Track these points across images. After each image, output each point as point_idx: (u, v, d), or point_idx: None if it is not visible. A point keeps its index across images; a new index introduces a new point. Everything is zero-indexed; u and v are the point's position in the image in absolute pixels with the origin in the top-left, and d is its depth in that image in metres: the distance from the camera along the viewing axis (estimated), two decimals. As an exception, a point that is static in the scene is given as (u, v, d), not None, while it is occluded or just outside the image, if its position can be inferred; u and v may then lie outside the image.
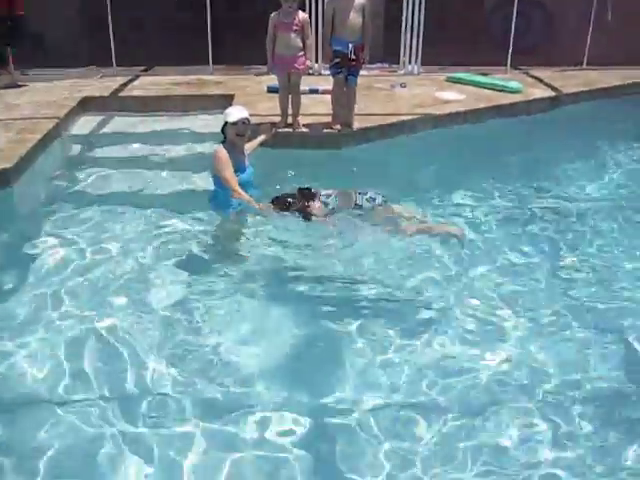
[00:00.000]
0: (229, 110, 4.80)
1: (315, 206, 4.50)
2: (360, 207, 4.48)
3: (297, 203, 4.49)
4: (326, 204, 4.51)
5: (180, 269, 4.13)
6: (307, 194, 4.53)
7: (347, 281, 4.01)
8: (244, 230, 4.54)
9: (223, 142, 4.78)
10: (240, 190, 4.52)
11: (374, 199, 4.48)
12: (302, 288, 3.97)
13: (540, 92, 7.49)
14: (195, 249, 4.37)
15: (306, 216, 4.45)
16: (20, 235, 4.57)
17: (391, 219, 4.47)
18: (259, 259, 4.24)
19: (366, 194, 4.51)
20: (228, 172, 4.57)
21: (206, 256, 4.33)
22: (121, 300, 3.80)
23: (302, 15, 5.76)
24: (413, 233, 4.38)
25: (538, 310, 3.72)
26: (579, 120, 7.04)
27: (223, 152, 4.62)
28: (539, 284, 4.00)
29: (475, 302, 3.80)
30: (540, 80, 8.00)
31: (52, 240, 4.44)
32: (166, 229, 4.61)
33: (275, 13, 5.70)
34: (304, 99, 6.17)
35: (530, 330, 3.55)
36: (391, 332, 3.52)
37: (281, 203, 4.51)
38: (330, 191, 4.57)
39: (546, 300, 3.83)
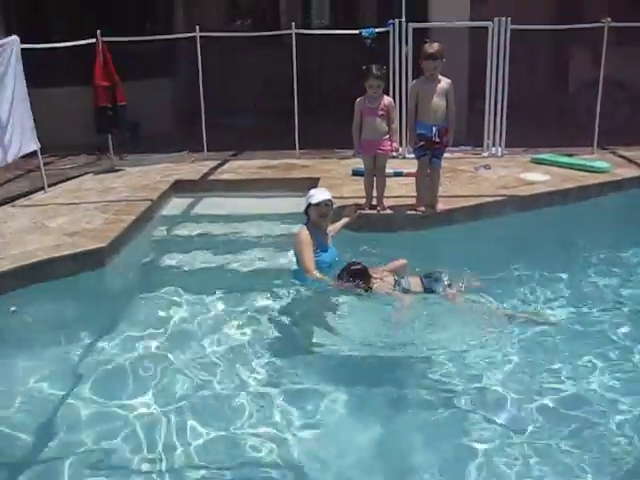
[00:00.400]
0: (312, 192, 4.94)
1: (388, 281, 4.48)
2: (432, 291, 4.45)
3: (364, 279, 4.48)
4: (398, 283, 4.51)
5: (265, 350, 4.16)
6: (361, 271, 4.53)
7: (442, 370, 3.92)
8: (324, 310, 4.55)
9: (306, 223, 4.90)
10: (315, 272, 4.60)
11: (441, 280, 4.44)
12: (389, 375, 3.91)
13: (629, 171, 7.35)
14: (277, 331, 4.40)
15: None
16: (110, 316, 4.72)
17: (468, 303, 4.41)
18: (341, 343, 4.21)
19: (431, 276, 4.51)
20: (306, 253, 4.68)
21: (288, 337, 4.35)
22: (208, 380, 3.84)
23: (387, 100, 5.91)
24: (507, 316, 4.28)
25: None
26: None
27: (305, 233, 4.74)
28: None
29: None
30: (629, 159, 7.85)
31: (141, 322, 4.57)
32: (251, 311, 4.66)
33: (361, 98, 5.87)
34: (388, 181, 6.26)
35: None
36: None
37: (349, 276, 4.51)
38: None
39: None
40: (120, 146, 8.33)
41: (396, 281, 4.56)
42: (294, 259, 5.01)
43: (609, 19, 7.95)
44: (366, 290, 4.52)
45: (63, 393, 3.76)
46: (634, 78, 9.13)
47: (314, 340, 4.28)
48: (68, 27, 9.60)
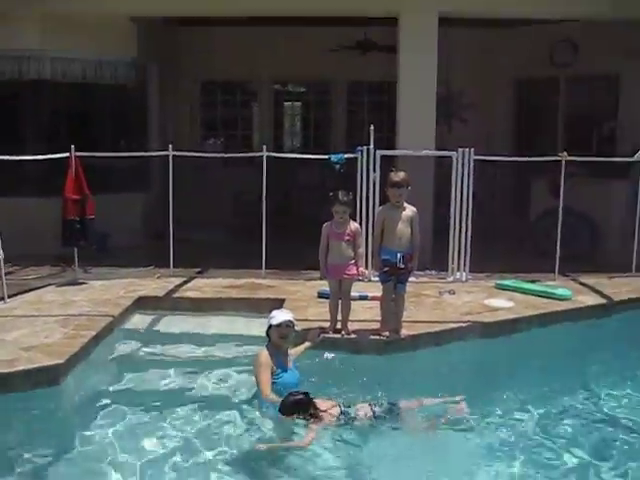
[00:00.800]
0: (273, 313, 4.98)
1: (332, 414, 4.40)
2: (383, 418, 4.40)
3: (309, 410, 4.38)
4: (345, 413, 4.41)
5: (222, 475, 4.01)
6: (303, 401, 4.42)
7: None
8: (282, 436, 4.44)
9: (267, 344, 4.90)
10: (271, 394, 4.55)
11: (393, 404, 4.40)
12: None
13: (591, 299, 7.47)
14: (235, 455, 4.28)
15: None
16: (60, 437, 4.56)
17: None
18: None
19: (381, 404, 4.47)
20: (263, 376, 4.67)
21: (246, 463, 4.21)
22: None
23: (354, 225, 6.03)
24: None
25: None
26: (633, 328, 6.95)
27: (264, 354, 4.75)
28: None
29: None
30: (589, 287, 8.00)
31: (94, 440, 4.41)
32: (210, 434, 4.54)
33: (327, 223, 5.98)
34: (353, 305, 6.27)
35: None
36: None
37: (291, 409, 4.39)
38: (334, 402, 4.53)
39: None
40: (86, 258, 8.28)
41: (342, 412, 4.45)
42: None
43: (565, 153, 8.35)
44: (307, 420, 4.40)
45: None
46: (592, 207, 9.47)
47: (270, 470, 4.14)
48: (42, 137, 9.78)
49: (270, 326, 4.89)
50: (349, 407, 4.51)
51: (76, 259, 8.02)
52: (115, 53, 9.99)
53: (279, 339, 4.85)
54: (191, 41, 12.10)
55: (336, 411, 4.46)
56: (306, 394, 4.46)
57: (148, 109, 11.23)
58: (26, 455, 4.28)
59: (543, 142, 12.27)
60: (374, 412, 4.47)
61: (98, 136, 10.21)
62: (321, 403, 4.47)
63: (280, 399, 4.52)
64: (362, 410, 4.52)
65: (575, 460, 4.31)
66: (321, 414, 4.40)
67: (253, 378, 4.97)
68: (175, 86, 12.41)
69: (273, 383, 4.74)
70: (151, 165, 10.66)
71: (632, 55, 10.47)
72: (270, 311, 5.33)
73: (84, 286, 7.81)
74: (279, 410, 4.45)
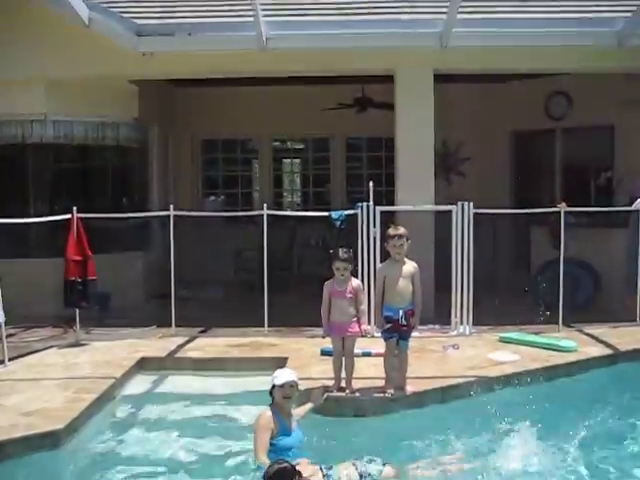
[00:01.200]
0: (277, 373, 4.93)
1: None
2: (369, 475, 4.28)
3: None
4: (327, 476, 4.30)
5: None
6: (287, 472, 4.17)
7: None
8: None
9: (271, 404, 4.84)
10: (265, 459, 4.45)
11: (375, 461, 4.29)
12: None
13: (596, 350, 7.42)
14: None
15: None
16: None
17: None
18: None
19: (365, 460, 4.34)
20: (260, 439, 4.61)
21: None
22: None
23: (355, 283, 6.02)
24: None
25: None
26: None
27: (264, 416, 4.69)
28: None
29: None
30: (594, 337, 7.95)
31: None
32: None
33: (329, 281, 5.97)
34: (357, 362, 6.21)
35: None
36: None
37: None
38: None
39: None
40: (87, 319, 8.25)
41: (324, 475, 4.32)
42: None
43: (564, 204, 8.41)
44: None
45: None
46: (593, 257, 9.48)
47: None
48: (44, 198, 9.88)
49: (273, 386, 4.84)
50: (330, 469, 4.38)
51: (77, 320, 7.98)
52: (117, 115, 10.15)
53: (282, 399, 4.79)
54: (190, 101, 12.33)
55: (319, 476, 4.32)
56: (290, 464, 4.34)
57: (149, 168, 11.35)
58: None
59: (541, 192, 12.39)
60: (359, 472, 4.34)
61: (100, 196, 10.35)
62: (303, 468, 4.34)
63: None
64: (345, 470, 4.39)
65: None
66: None
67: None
68: (176, 145, 12.59)
69: (272, 445, 4.63)
70: (152, 224, 10.72)
71: (626, 106, 10.64)
72: (274, 370, 5.27)
73: (86, 347, 7.77)
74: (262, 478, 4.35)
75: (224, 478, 4.68)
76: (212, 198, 13.78)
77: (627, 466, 5.02)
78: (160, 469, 4.96)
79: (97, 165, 10.61)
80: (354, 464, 4.41)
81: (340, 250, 5.92)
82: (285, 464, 4.18)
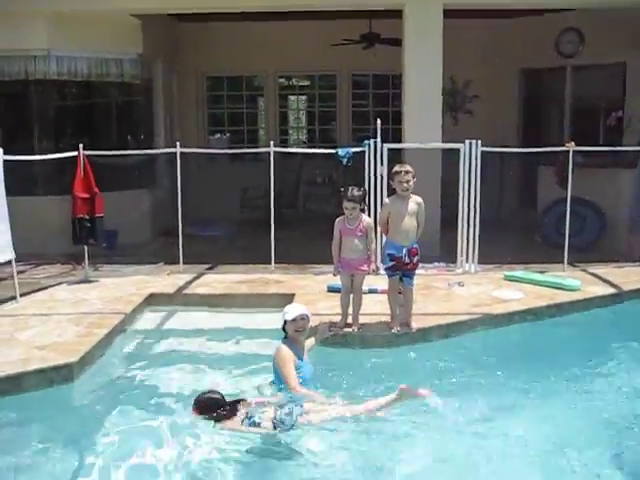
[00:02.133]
0: (287, 308, 5.02)
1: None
2: (282, 423, 4.32)
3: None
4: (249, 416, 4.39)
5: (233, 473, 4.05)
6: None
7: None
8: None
9: (284, 340, 4.94)
10: (299, 387, 4.57)
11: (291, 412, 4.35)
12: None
13: (600, 289, 7.47)
14: (247, 454, 4.26)
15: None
16: (77, 433, 4.59)
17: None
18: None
19: (283, 407, 4.39)
20: (289, 369, 4.68)
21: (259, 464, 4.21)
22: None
23: (366, 221, 6.02)
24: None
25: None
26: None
27: (285, 349, 4.77)
28: None
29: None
30: (599, 277, 8.00)
31: (109, 440, 4.43)
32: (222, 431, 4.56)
33: (340, 218, 5.98)
34: (363, 299, 6.28)
35: None
36: None
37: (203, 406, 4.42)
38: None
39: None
40: (96, 256, 8.33)
41: (246, 414, 4.42)
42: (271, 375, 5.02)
43: (572, 143, 8.35)
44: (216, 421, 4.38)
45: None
46: (600, 197, 9.46)
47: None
48: (51, 137, 9.83)
49: (285, 322, 4.94)
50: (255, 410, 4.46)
51: (86, 257, 8.05)
52: (120, 50, 10.01)
53: (295, 333, 4.90)
54: (195, 37, 12.13)
55: (241, 415, 4.41)
56: (221, 395, 4.50)
57: (154, 105, 11.25)
58: (43, 452, 4.32)
59: (549, 132, 12.28)
60: (275, 416, 4.37)
61: (105, 134, 10.29)
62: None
63: (309, 391, 4.58)
64: (266, 415, 4.42)
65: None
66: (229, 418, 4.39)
67: (268, 375, 5.04)
68: (180, 82, 12.45)
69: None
70: (158, 162, 10.69)
71: (638, 43, 10.44)
72: (283, 306, 5.35)
73: (95, 284, 7.86)
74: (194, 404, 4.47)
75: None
76: (217, 136, 13.70)
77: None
78: (170, 400, 5.07)
79: (101, 102, 10.51)
80: (274, 410, 4.44)
81: (350, 188, 5.90)
82: (217, 394, 4.44)
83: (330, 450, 4.24)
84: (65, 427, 4.70)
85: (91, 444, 4.41)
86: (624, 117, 10.92)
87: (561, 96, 11.83)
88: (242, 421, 4.41)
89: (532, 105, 12.36)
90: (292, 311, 5.00)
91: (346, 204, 5.85)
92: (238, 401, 4.56)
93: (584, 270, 8.33)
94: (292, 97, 14.29)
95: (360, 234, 5.92)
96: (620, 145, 10.02)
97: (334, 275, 6.24)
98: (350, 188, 5.92)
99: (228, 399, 4.59)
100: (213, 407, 4.48)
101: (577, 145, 8.43)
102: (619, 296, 7.34)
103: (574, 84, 11.67)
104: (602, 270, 8.26)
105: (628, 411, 4.87)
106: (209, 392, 4.62)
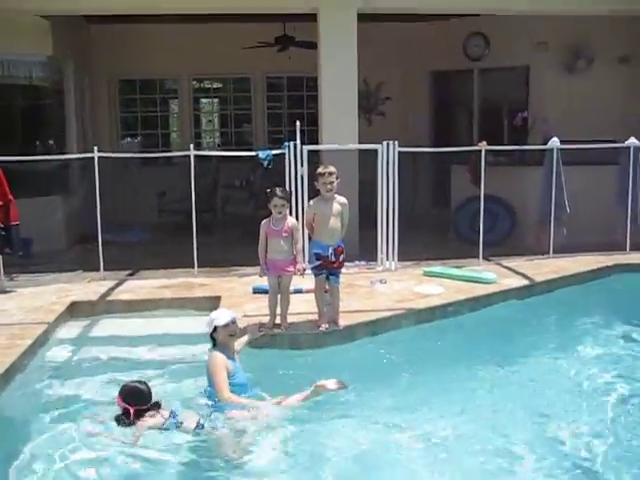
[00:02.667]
0: (215, 314, 4.98)
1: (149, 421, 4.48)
2: (202, 427, 4.44)
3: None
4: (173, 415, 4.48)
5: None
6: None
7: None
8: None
9: (214, 347, 4.89)
10: (229, 395, 4.58)
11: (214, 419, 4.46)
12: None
13: (515, 281, 7.83)
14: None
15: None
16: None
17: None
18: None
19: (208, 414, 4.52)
20: (220, 376, 4.68)
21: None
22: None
23: (291, 221, 6.09)
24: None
25: None
26: (554, 306, 7.39)
27: (218, 356, 4.77)
28: None
29: None
30: (512, 270, 8.37)
31: (33, 451, 4.35)
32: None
33: (266, 220, 6.03)
34: (290, 298, 6.35)
35: None
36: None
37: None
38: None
39: None
40: (10, 266, 8.05)
41: (171, 413, 4.49)
42: (199, 383, 5.03)
43: (484, 143, 8.71)
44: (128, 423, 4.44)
45: None
46: (510, 195, 9.88)
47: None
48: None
49: (215, 328, 4.89)
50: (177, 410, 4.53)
51: (1, 267, 7.78)
52: (29, 52, 9.70)
53: (227, 337, 4.87)
54: (106, 39, 11.90)
55: (166, 414, 4.49)
56: (148, 388, 4.58)
57: (65, 109, 10.94)
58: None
59: (460, 132, 12.73)
60: (198, 423, 4.46)
61: (13, 138, 9.93)
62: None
63: (240, 399, 4.60)
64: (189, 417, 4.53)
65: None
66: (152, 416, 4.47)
67: (195, 381, 5.05)
68: (92, 85, 12.18)
69: (230, 384, 4.76)
70: (71, 167, 10.42)
71: (541, 47, 10.99)
72: (209, 309, 5.35)
73: (12, 294, 7.59)
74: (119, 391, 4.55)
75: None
76: (129, 140, 13.48)
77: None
78: (98, 409, 4.98)
79: (8, 105, 10.15)
80: (199, 416, 4.52)
81: (277, 188, 5.97)
82: (143, 386, 4.53)
83: (257, 450, 4.30)
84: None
85: (12, 457, 4.29)
86: (529, 117, 11.47)
87: (469, 97, 12.31)
88: (165, 420, 4.43)
89: (443, 106, 12.79)
90: (222, 316, 4.95)
91: (276, 201, 5.89)
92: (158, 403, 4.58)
93: (498, 264, 8.69)
94: (205, 100, 14.20)
95: (286, 235, 5.99)
96: (525, 144, 10.53)
97: (260, 277, 6.29)
98: (277, 188, 5.99)
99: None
100: (137, 396, 4.50)
101: (487, 144, 8.80)
102: (532, 287, 7.71)
103: (481, 86, 12.17)
104: (514, 263, 8.65)
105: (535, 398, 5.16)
106: (137, 381, 4.65)
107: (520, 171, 9.98)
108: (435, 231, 10.58)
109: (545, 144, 9.19)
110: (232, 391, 4.69)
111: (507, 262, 8.70)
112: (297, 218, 7.82)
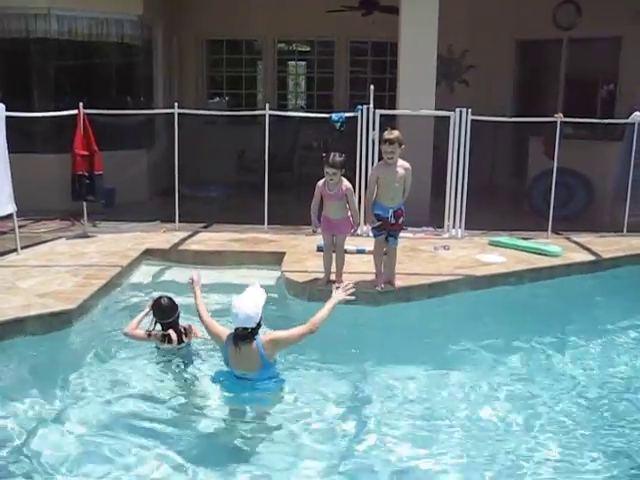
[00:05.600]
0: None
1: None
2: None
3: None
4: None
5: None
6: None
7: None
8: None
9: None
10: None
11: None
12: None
13: (580, 256, 7.73)
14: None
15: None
16: (73, 376, 4.88)
17: None
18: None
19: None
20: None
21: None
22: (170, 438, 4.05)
23: (345, 186, 6.17)
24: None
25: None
26: (618, 283, 7.26)
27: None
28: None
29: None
30: (581, 245, 8.25)
31: (103, 384, 4.77)
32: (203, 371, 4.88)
33: (321, 181, 6.19)
34: (351, 258, 6.53)
35: None
36: None
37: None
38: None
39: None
40: (94, 213, 8.57)
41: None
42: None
43: (560, 115, 8.55)
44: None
45: (15, 457, 3.85)
46: (588, 169, 9.67)
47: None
48: (51, 95, 9.99)
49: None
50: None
51: (85, 213, 8.29)
52: (121, 11, 10.14)
53: None
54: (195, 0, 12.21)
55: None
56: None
57: (154, 67, 11.39)
58: (41, 390, 4.62)
59: (544, 104, 12.43)
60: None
61: (104, 94, 10.41)
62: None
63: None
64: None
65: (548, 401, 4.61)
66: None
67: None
68: (180, 45, 12.56)
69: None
70: (156, 122, 10.87)
71: (635, 18, 10.56)
72: (274, 264, 5.50)
73: (93, 239, 8.11)
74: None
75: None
76: (216, 99, 13.83)
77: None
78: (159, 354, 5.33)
79: (101, 62, 10.65)
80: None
81: (331, 154, 6.02)
82: (166, 301, 5.17)
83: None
84: (61, 369, 4.99)
85: (81, 384, 4.74)
86: (617, 90, 11.09)
87: (556, 68, 11.97)
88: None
89: (528, 76, 12.49)
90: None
91: (327, 169, 6.00)
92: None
93: (567, 238, 8.57)
94: (291, 62, 14.39)
95: (339, 199, 6.13)
96: (612, 117, 10.22)
97: (313, 231, 6.46)
98: (332, 154, 6.04)
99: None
100: (160, 311, 5.13)
101: (571, 117, 8.62)
102: (598, 263, 7.60)
103: (570, 56, 11.80)
104: (585, 239, 8.50)
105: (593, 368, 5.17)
106: (163, 296, 5.26)
107: (601, 145, 9.71)
108: (510, 202, 10.47)
109: (630, 119, 8.93)
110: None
111: (577, 237, 8.57)
112: (366, 180, 7.97)
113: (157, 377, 4.84)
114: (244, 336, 4.29)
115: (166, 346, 5.05)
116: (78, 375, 4.86)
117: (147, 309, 5.25)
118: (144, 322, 5.22)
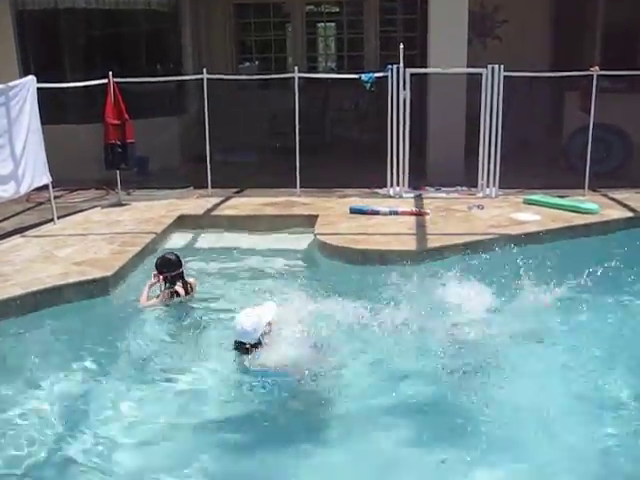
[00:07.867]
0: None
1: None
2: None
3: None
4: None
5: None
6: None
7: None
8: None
9: None
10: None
11: None
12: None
13: (617, 213, 7.59)
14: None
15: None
16: (112, 341, 4.99)
17: None
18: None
19: None
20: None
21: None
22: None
23: None
24: None
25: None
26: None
27: None
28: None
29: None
30: (618, 202, 8.09)
31: (141, 344, 4.87)
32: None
33: None
34: (385, 219, 6.47)
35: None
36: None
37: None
38: None
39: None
40: (128, 182, 8.65)
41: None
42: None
43: (597, 67, 8.31)
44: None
45: (62, 419, 3.98)
46: (626, 124, 9.42)
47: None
48: (81, 65, 10.04)
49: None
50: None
51: (119, 182, 8.38)
52: (147, -23, 10.10)
53: None
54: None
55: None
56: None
57: (182, 33, 11.35)
58: (84, 354, 4.74)
59: (580, 57, 12.09)
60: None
61: (134, 62, 10.45)
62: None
63: None
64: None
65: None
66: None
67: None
68: (208, 10, 12.47)
69: None
70: (186, 89, 10.86)
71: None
72: (307, 227, 5.52)
73: (127, 207, 8.21)
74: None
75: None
76: (247, 64, 13.75)
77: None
78: (196, 312, 5.42)
79: (129, 30, 10.66)
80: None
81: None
82: (172, 256, 5.51)
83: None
84: (99, 335, 5.08)
85: (123, 349, 4.85)
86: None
87: (593, 18, 11.61)
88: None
89: (563, 30, 12.15)
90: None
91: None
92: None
93: (604, 195, 8.40)
94: (320, 24, 14.21)
95: None
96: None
97: None
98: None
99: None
100: (167, 265, 5.49)
101: (609, 69, 8.37)
102: (635, 220, 7.44)
103: (606, 8, 11.43)
104: (622, 195, 8.32)
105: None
106: (168, 252, 5.73)
107: (638, 98, 9.45)
108: (546, 160, 10.26)
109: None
110: None
111: (614, 194, 8.39)
112: (398, 139, 7.90)
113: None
114: (243, 349, 4.40)
115: (176, 300, 5.39)
116: (115, 339, 4.95)
117: (153, 279, 5.53)
118: (153, 289, 5.54)
